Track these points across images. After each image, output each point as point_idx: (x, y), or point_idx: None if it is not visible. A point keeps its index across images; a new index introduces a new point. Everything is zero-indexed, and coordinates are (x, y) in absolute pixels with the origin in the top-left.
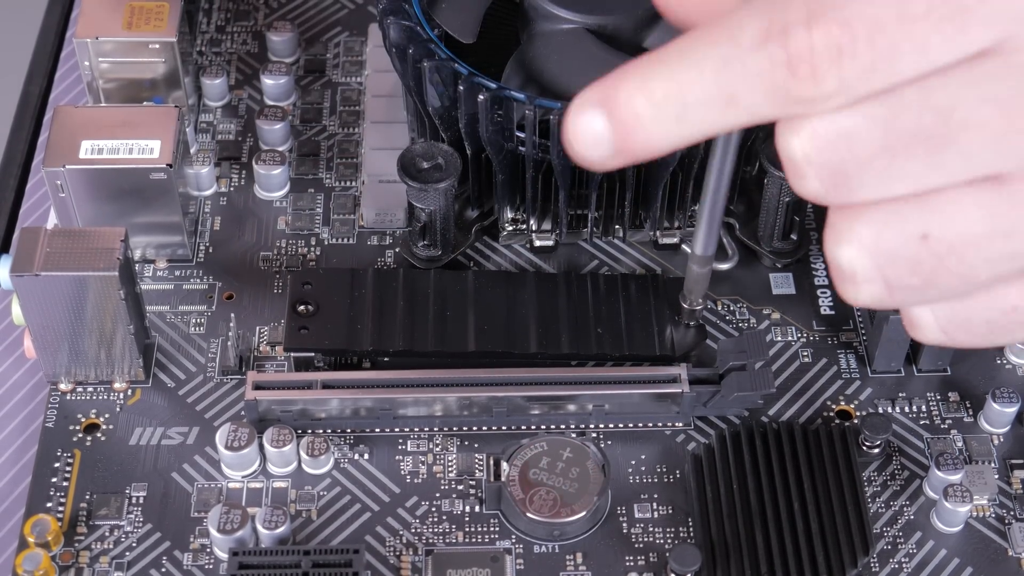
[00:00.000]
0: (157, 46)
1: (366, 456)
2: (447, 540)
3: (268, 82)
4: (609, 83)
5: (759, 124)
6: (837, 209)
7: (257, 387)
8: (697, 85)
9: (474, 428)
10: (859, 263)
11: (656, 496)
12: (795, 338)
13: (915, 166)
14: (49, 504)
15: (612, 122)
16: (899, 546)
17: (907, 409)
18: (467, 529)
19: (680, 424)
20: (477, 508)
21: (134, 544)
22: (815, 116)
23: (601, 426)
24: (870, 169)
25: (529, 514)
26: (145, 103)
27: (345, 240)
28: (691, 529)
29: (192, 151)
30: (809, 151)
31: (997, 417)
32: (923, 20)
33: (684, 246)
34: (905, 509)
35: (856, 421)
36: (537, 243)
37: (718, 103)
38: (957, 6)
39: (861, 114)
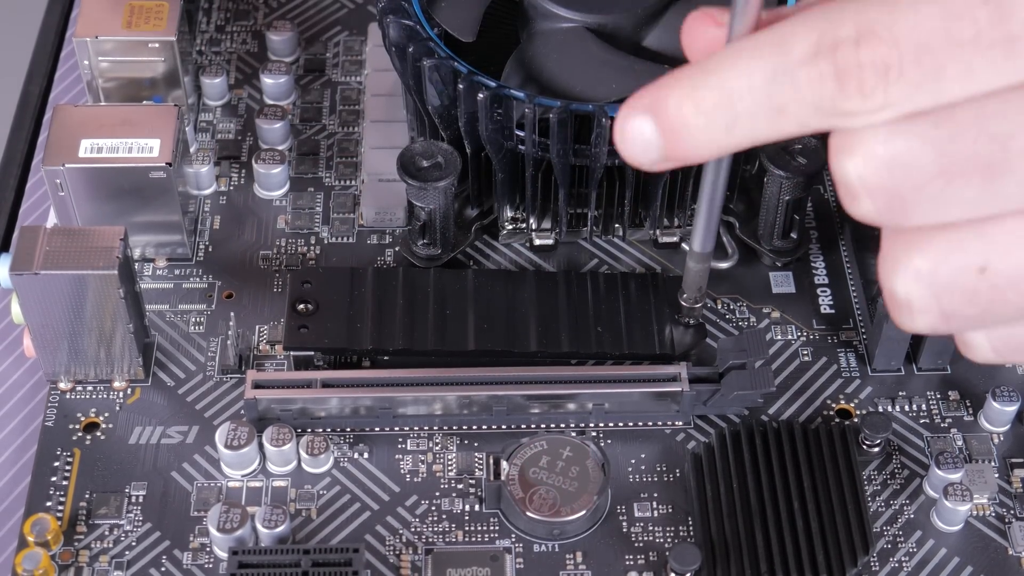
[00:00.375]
0: (157, 45)
1: (366, 455)
2: (447, 539)
3: (268, 81)
4: (659, 89)
5: (807, 134)
6: (892, 237)
7: (257, 386)
8: (747, 95)
9: (474, 427)
10: (916, 293)
11: (656, 495)
12: (795, 337)
13: (972, 192)
14: (49, 503)
15: (661, 128)
16: (899, 545)
17: (907, 408)
18: (467, 528)
19: (680, 423)
20: (477, 507)
21: (134, 543)
22: (869, 138)
23: (601, 425)
24: (925, 193)
25: (529, 513)
26: (145, 102)
27: (345, 239)
28: (691, 528)
29: (192, 150)
30: (864, 173)
31: (997, 416)
32: (970, 45)
33: (684, 244)
34: (905, 508)
35: (856, 420)
36: (537, 242)
37: (768, 113)
38: (1006, 33)
39: (917, 137)
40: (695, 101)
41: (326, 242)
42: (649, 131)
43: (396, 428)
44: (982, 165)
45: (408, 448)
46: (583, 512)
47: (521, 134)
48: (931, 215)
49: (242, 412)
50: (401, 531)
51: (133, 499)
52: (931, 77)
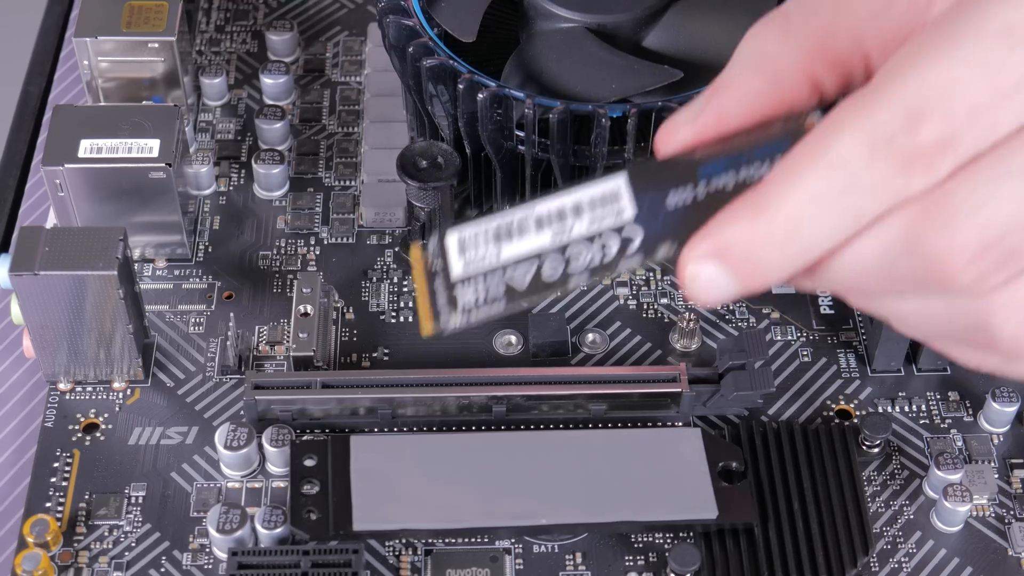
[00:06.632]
0: (156, 45)
1: None
2: (446, 540)
3: (267, 81)
4: (720, 231)
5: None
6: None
7: (256, 387)
8: (818, 216)
9: (473, 428)
10: None
11: None
12: (795, 337)
13: None
14: (48, 504)
15: (736, 271)
16: (899, 546)
17: (907, 408)
18: None
19: (680, 424)
20: None
21: (133, 544)
22: (964, 205)
23: (600, 425)
24: None
25: None
26: (144, 102)
27: (344, 240)
28: (691, 528)
29: (191, 150)
30: (983, 237)
31: (997, 416)
32: (1013, 89)
33: None
34: (905, 509)
35: (856, 420)
36: None
37: (845, 223)
38: None
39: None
40: (765, 238)
41: (326, 243)
42: (722, 277)
43: (395, 429)
44: None
45: None
46: None
47: (521, 134)
48: None
49: (241, 413)
50: None
51: (133, 500)
52: (988, 131)
